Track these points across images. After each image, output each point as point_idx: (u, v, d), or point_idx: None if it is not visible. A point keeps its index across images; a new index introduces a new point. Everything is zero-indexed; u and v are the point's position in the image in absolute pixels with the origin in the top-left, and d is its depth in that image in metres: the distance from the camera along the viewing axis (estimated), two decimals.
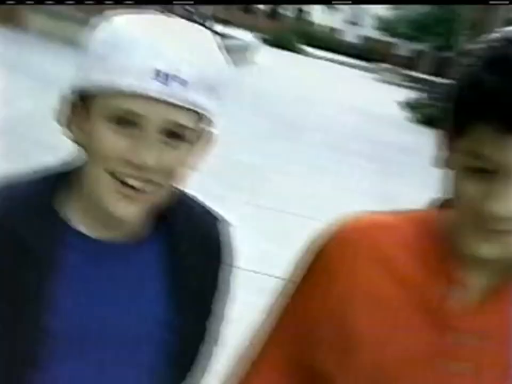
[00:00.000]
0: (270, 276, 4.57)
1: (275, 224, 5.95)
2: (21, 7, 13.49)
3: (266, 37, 38.29)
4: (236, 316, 1.73)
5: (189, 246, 1.14)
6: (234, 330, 1.79)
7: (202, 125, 1.04)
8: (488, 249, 0.92)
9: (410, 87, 24.18)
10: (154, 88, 0.94)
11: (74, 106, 1.03)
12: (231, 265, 1.23)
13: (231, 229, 1.23)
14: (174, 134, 0.99)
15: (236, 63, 20.12)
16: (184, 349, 1.17)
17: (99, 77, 0.97)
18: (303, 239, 1.13)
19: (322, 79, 23.82)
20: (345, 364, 1.05)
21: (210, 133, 1.08)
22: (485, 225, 0.91)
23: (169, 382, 1.18)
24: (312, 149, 10.00)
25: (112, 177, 0.99)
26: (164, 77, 0.94)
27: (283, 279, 1.17)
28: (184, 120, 0.98)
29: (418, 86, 21.37)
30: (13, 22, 13.77)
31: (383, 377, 1.02)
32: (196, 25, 1.03)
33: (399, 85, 27.73)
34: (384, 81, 29.23)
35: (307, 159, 9.17)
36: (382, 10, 34.23)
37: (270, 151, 9.11)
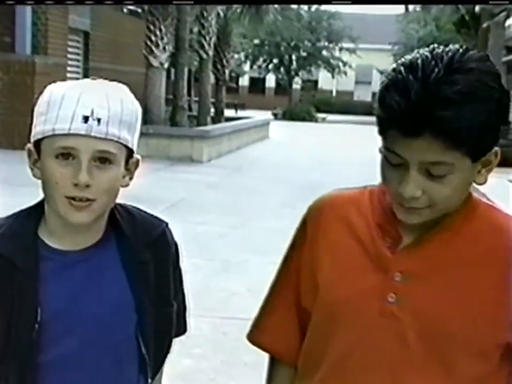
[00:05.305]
0: None
1: None
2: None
3: (279, 111, 39.59)
4: None
5: (136, 243, 1.47)
6: None
7: (127, 153, 1.40)
8: (405, 216, 1.33)
9: None
10: (81, 128, 1.32)
11: (32, 153, 1.40)
12: (177, 260, 1.52)
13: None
14: (103, 159, 1.34)
15: (259, 139, 20.59)
16: (152, 330, 1.47)
17: (43, 127, 1.35)
18: None
19: (338, 141, 24.30)
20: (314, 301, 1.45)
21: (136, 159, 1.44)
22: (400, 202, 1.32)
23: (146, 364, 1.48)
24: None
25: (65, 197, 1.34)
26: (88, 119, 1.32)
27: None
28: (108, 148, 1.35)
29: None
30: None
31: (338, 307, 1.40)
32: (113, 82, 1.41)
33: None
34: None
35: None
36: (384, 64, 34.87)
37: (293, 214, 9.31)
